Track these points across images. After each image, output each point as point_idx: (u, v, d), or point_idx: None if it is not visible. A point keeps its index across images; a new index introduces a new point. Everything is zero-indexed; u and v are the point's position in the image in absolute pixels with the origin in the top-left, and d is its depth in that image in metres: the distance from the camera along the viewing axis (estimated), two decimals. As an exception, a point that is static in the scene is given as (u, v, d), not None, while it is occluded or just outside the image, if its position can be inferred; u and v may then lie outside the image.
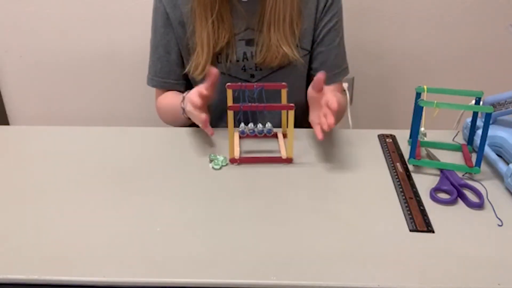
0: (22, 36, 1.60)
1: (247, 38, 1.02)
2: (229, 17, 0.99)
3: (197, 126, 1.12)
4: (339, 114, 1.10)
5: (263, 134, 0.87)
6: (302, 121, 1.17)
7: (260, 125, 0.86)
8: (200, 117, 0.84)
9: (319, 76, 0.81)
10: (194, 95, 0.84)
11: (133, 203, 0.76)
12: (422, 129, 0.88)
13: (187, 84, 1.11)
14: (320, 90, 0.83)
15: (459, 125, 0.98)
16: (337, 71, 1.09)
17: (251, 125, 0.86)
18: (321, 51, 1.06)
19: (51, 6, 1.55)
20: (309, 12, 1.02)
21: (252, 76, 1.05)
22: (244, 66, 1.04)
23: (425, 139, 0.92)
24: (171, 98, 1.06)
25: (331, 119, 0.77)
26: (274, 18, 0.97)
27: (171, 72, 1.06)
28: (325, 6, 1.02)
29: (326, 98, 0.80)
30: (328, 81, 1.07)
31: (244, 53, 1.03)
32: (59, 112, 1.73)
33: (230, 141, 0.85)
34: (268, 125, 0.86)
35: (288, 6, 0.97)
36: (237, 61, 1.03)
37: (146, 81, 1.10)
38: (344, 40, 1.09)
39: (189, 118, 0.93)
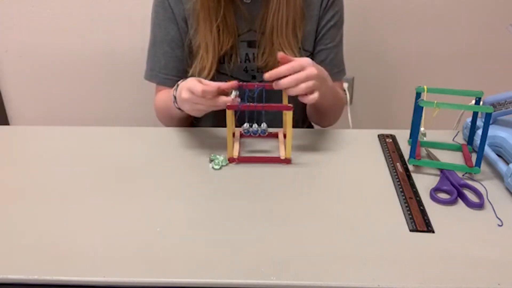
0: (22, 36, 1.60)
1: (249, 39, 1.02)
2: (232, 19, 0.99)
3: (192, 126, 1.11)
4: (335, 109, 1.09)
5: (257, 134, 0.87)
6: (302, 122, 1.17)
7: (255, 125, 0.86)
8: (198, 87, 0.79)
9: (279, 55, 0.82)
10: (195, 82, 0.80)
11: (133, 203, 0.76)
12: (422, 129, 0.88)
13: None
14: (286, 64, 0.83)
15: (459, 125, 0.98)
16: (336, 71, 1.08)
17: (246, 125, 0.86)
18: (320, 50, 1.05)
19: (51, 6, 1.55)
20: (312, 13, 1.02)
21: (254, 77, 1.05)
22: (246, 67, 1.03)
23: (425, 139, 0.92)
24: (167, 93, 1.04)
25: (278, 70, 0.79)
26: (277, 22, 0.97)
27: (175, 68, 1.05)
28: (327, 4, 1.02)
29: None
30: None
31: (246, 55, 1.02)
32: (59, 112, 1.74)
33: (229, 140, 0.85)
34: (263, 125, 0.86)
35: (291, 10, 0.97)
36: (240, 62, 1.03)
37: (143, 75, 1.07)
38: (343, 43, 1.09)
39: (180, 109, 0.90)
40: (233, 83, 0.81)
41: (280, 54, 0.82)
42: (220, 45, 0.98)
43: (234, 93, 0.82)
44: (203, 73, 0.99)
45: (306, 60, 0.81)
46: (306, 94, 0.81)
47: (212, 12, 0.96)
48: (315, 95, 0.81)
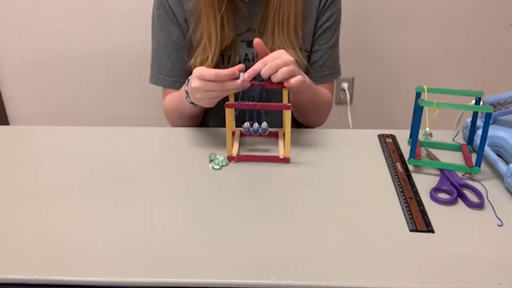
0: (22, 36, 1.60)
1: (248, 39, 1.01)
2: (231, 17, 0.99)
3: (200, 126, 1.11)
4: (317, 107, 1.09)
5: (258, 133, 0.87)
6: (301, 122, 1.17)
7: (256, 124, 0.86)
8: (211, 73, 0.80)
9: (255, 41, 0.84)
10: (205, 68, 0.82)
11: (133, 203, 0.76)
12: (427, 129, 0.88)
13: None
14: (262, 52, 0.85)
15: (459, 125, 0.98)
16: (328, 72, 1.07)
17: (246, 123, 0.86)
18: (315, 50, 1.05)
19: (51, 6, 1.56)
20: (311, 13, 1.02)
21: (253, 77, 1.04)
22: (245, 67, 1.03)
23: (431, 139, 0.91)
24: (177, 93, 1.04)
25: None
26: (278, 21, 0.97)
27: (181, 70, 1.04)
28: (324, 5, 1.02)
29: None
30: (317, 81, 1.07)
31: (246, 55, 1.02)
32: (59, 112, 1.74)
33: (228, 139, 0.85)
34: (264, 124, 0.87)
35: (292, 8, 0.97)
36: (239, 62, 1.02)
37: (149, 80, 1.07)
38: (339, 43, 1.09)
39: (193, 104, 0.90)
40: (240, 66, 0.82)
41: (256, 40, 0.84)
42: (223, 38, 0.98)
43: (241, 75, 0.82)
44: (205, 65, 0.98)
45: (279, 51, 0.84)
46: (288, 79, 0.82)
47: (217, 4, 0.95)
48: (298, 77, 0.82)
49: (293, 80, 0.82)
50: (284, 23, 0.97)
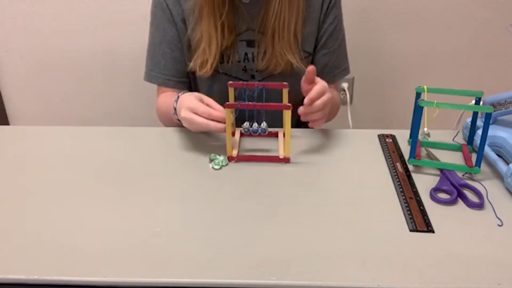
0: (22, 36, 1.60)
1: (247, 39, 1.02)
2: (231, 18, 0.99)
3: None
4: (332, 110, 1.10)
5: (257, 133, 0.87)
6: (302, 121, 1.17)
7: (255, 124, 0.86)
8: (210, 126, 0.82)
9: (310, 68, 0.84)
10: (196, 102, 0.83)
11: (133, 203, 0.76)
12: (425, 129, 0.88)
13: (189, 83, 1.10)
14: (312, 81, 0.85)
15: (459, 125, 0.98)
16: (337, 72, 1.09)
17: (246, 124, 0.86)
18: (324, 54, 1.06)
19: (51, 6, 1.55)
20: (312, 15, 1.02)
21: (253, 77, 1.05)
22: (245, 66, 1.04)
23: (429, 139, 0.91)
24: (169, 96, 1.04)
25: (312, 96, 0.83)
26: (278, 25, 0.97)
27: (174, 69, 1.05)
28: (327, 8, 1.02)
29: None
30: (329, 81, 1.07)
31: (245, 54, 1.02)
32: (59, 112, 1.74)
33: (228, 139, 0.85)
34: (263, 124, 0.87)
35: (293, 15, 0.97)
36: (238, 61, 1.03)
37: (143, 77, 1.08)
38: (345, 41, 1.09)
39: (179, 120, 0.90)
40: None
41: (311, 67, 0.85)
42: (222, 40, 0.98)
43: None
44: (204, 68, 0.99)
45: (325, 87, 0.86)
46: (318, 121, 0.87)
47: (217, 8, 0.96)
48: (322, 121, 0.88)
49: (317, 124, 0.88)
50: (284, 28, 0.97)
